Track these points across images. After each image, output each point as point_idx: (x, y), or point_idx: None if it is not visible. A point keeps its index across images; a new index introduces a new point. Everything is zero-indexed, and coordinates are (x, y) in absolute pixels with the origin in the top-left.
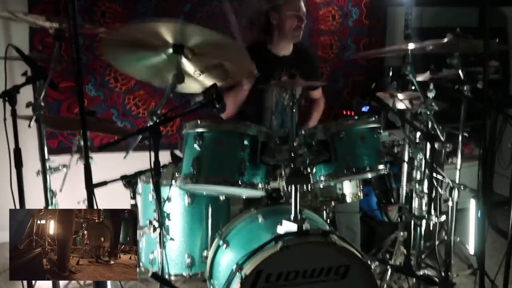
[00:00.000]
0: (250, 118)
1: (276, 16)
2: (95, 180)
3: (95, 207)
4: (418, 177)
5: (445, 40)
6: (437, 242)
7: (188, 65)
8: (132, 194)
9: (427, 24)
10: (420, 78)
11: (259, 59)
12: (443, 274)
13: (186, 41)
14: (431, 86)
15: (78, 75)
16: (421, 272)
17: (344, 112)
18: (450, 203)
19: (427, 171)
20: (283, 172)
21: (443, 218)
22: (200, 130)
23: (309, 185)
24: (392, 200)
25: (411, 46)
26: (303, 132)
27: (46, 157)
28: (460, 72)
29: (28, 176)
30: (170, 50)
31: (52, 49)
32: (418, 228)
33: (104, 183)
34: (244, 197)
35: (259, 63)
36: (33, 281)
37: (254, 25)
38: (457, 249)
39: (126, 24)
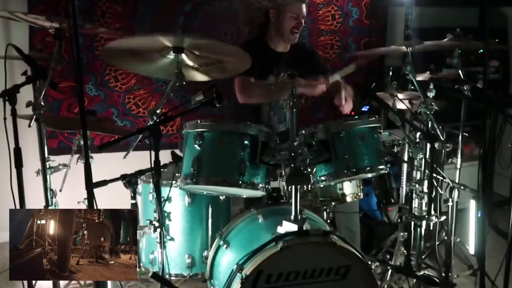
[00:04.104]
0: (249, 113)
1: (275, 14)
2: (95, 179)
3: (95, 207)
4: (418, 177)
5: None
6: (437, 243)
7: (188, 61)
8: (132, 194)
9: (427, 24)
10: (420, 77)
11: (257, 54)
12: (443, 274)
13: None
14: (431, 86)
15: (78, 74)
16: (421, 273)
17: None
18: (450, 203)
19: (427, 171)
20: (283, 172)
21: (443, 218)
22: (200, 129)
23: (309, 185)
24: (392, 200)
25: (405, 48)
26: (303, 131)
27: (46, 156)
28: (460, 72)
29: (28, 176)
30: (171, 53)
31: (52, 49)
32: (418, 229)
33: (104, 183)
34: (244, 197)
35: (257, 58)
36: (33, 281)
37: (254, 19)
38: (457, 249)
39: (123, 36)
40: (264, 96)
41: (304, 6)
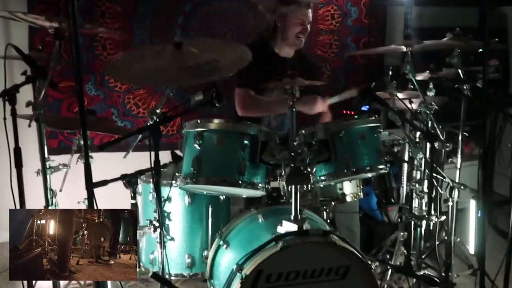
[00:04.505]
0: (249, 118)
1: (281, 20)
2: (95, 179)
3: (95, 207)
4: (418, 176)
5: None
6: (437, 242)
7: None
8: (132, 193)
9: (427, 24)
10: (419, 77)
11: (261, 57)
12: (443, 274)
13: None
14: (431, 85)
15: (78, 74)
16: (421, 273)
17: (344, 112)
18: (450, 203)
19: (427, 171)
20: (283, 172)
21: (443, 218)
22: (200, 129)
23: (309, 184)
24: (392, 200)
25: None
26: (303, 131)
27: (46, 156)
28: (459, 71)
29: (28, 176)
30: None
31: (52, 49)
32: (418, 228)
33: (104, 183)
34: (244, 197)
35: (259, 61)
36: (33, 281)
37: (262, 22)
38: (457, 249)
39: (123, 53)
40: (263, 111)
41: (309, 11)
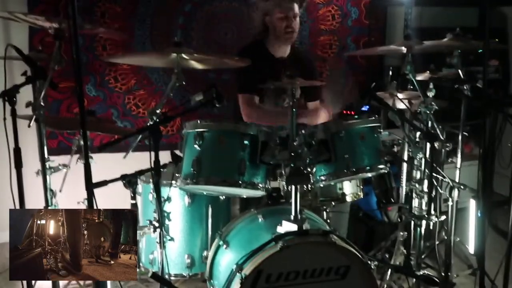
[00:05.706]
0: None
1: (269, 19)
2: (95, 180)
3: (95, 207)
4: (418, 176)
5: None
6: (437, 242)
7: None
8: (132, 194)
9: (427, 24)
10: (419, 77)
11: (257, 58)
12: (443, 274)
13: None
14: (431, 86)
15: (78, 75)
16: (421, 272)
17: (344, 112)
18: (450, 203)
19: (427, 171)
20: (283, 172)
21: (443, 218)
22: (200, 129)
23: (309, 184)
24: (392, 200)
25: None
26: (303, 131)
27: (46, 157)
28: (460, 71)
29: (28, 176)
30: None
31: (51, 49)
32: (418, 228)
33: (104, 183)
34: (244, 197)
35: (255, 62)
36: (33, 281)
37: (255, 27)
38: (457, 249)
39: (123, 53)
40: (267, 121)
41: (294, 4)
